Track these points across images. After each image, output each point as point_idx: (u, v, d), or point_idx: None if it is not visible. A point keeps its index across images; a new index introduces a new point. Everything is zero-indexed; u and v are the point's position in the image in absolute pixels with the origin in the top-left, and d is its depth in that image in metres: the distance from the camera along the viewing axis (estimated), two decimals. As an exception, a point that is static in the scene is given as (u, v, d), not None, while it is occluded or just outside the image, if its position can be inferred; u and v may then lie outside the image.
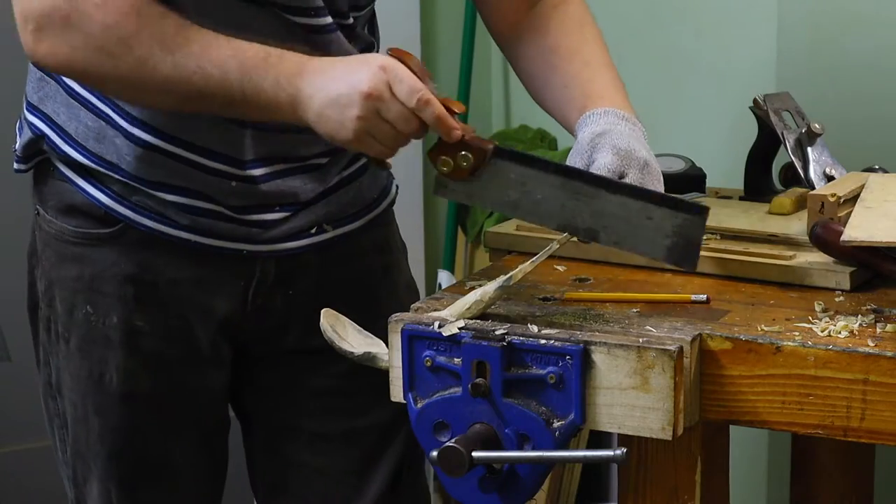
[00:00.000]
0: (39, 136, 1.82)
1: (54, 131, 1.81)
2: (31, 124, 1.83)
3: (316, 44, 1.72)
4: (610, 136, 1.70)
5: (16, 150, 1.86)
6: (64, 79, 1.79)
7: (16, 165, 1.87)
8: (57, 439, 1.92)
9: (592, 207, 1.64)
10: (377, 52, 1.88)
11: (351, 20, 1.80)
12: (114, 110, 1.77)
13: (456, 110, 1.62)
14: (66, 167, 1.81)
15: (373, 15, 1.90)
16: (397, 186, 2.00)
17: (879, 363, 1.50)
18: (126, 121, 1.76)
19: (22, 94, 1.87)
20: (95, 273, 1.81)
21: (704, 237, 1.85)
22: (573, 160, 1.71)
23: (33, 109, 1.83)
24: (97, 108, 1.78)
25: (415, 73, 1.60)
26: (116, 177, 1.78)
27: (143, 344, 1.82)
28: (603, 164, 1.67)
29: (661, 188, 1.70)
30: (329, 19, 1.76)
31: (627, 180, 1.66)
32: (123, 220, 1.80)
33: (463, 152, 1.63)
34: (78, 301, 1.83)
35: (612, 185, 1.64)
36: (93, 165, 1.79)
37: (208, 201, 1.80)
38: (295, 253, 1.86)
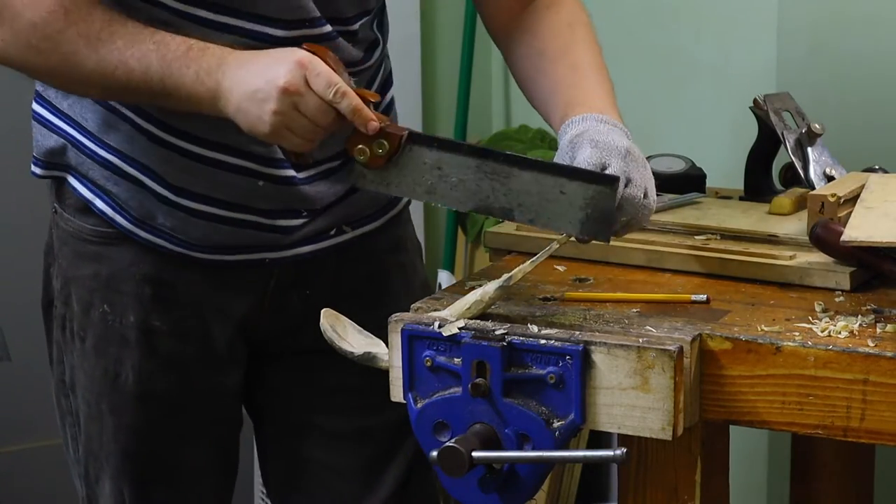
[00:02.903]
0: (65, 142, 1.81)
1: (83, 134, 1.80)
2: (54, 127, 1.83)
3: None
4: (588, 133, 1.69)
5: (35, 154, 1.85)
6: None
7: (34, 168, 1.86)
8: (69, 437, 1.92)
9: (507, 186, 1.65)
10: (382, 49, 1.88)
11: (355, 26, 1.80)
12: (137, 115, 1.77)
13: (371, 100, 1.66)
14: (85, 188, 1.81)
15: (382, 9, 1.88)
16: None
17: (879, 363, 1.50)
18: (148, 121, 1.77)
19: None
20: (113, 272, 1.82)
21: (704, 237, 1.86)
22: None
23: (56, 111, 1.83)
24: (124, 114, 1.78)
25: (330, 66, 1.63)
26: (142, 179, 1.78)
27: (159, 344, 1.83)
28: (583, 159, 1.66)
29: (647, 175, 1.68)
30: (328, 28, 1.76)
31: (610, 170, 1.64)
32: (143, 242, 1.80)
33: (379, 140, 1.66)
34: (94, 300, 1.83)
35: (525, 162, 1.65)
36: (114, 167, 1.79)
37: (231, 210, 1.80)
38: (314, 256, 1.86)
